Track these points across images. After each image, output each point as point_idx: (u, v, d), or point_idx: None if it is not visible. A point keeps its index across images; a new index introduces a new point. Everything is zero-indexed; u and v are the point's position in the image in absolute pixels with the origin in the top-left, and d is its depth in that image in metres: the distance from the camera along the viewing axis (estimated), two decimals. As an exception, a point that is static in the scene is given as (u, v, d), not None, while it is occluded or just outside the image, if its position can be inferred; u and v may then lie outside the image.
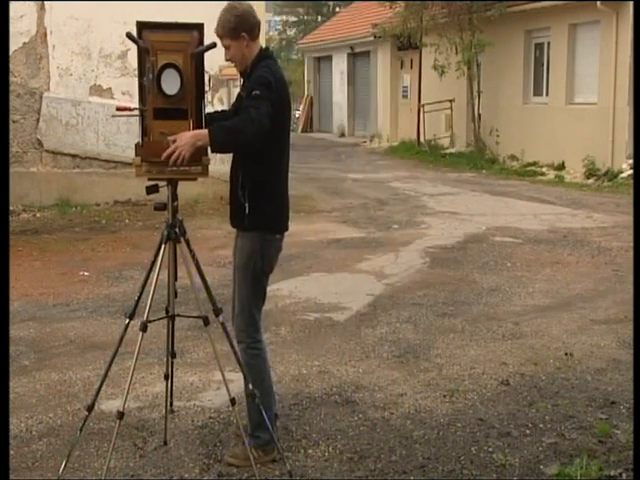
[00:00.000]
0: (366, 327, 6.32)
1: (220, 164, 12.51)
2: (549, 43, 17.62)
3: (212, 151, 3.63)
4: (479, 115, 19.17)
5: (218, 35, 3.82)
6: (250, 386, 3.87)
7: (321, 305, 6.94)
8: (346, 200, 13.07)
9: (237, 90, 13.92)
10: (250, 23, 3.82)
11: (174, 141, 3.51)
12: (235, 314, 4.11)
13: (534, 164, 17.48)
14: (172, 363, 4.15)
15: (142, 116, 3.63)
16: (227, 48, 3.84)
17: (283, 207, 4.01)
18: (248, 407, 4.00)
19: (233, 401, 3.79)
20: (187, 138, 3.52)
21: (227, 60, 3.91)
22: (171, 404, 4.37)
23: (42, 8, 11.79)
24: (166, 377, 4.16)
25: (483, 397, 4.82)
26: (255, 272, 4.07)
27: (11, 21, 10.27)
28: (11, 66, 11.29)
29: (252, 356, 4.00)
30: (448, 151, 20.48)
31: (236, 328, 4.06)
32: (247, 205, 3.86)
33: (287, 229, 4.05)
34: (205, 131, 3.59)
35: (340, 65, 28.82)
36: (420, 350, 5.75)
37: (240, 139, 3.61)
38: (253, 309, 4.10)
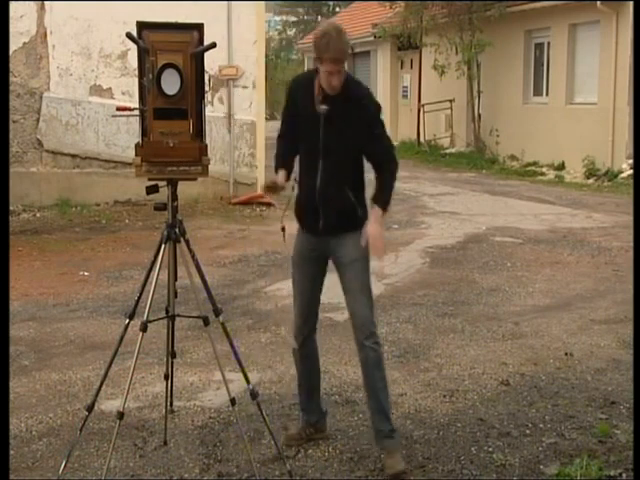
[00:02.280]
0: (366, 327, 6.31)
1: (220, 164, 12.61)
2: (549, 43, 17.62)
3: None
4: (479, 115, 19.17)
5: (338, 61, 3.67)
6: (250, 386, 3.87)
7: (321, 305, 6.93)
8: (346, 200, 13.04)
9: (237, 90, 13.81)
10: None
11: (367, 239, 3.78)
12: (362, 310, 3.96)
13: (534, 164, 17.49)
14: (172, 363, 4.14)
15: (142, 116, 3.63)
16: (339, 73, 3.72)
17: None
18: (378, 406, 3.97)
19: (233, 401, 3.78)
20: (376, 230, 3.81)
21: (334, 85, 3.73)
22: (171, 404, 4.37)
23: (42, 8, 11.80)
24: (166, 377, 4.15)
25: (483, 397, 4.82)
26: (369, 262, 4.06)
27: (11, 21, 10.27)
28: (11, 66, 11.30)
29: (380, 352, 3.99)
30: (448, 151, 20.48)
31: (367, 322, 3.95)
32: (359, 207, 3.95)
33: None
34: (379, 212, 3.86)
35: (340, 65, 28.76)
36: (420, 350, 5.75)
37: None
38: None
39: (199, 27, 3.64)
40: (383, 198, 3.90)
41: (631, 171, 14.63)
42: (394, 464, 3.88)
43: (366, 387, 4.03)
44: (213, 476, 3.89)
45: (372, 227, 3.83)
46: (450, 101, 20.39)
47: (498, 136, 18.58)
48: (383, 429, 3.97)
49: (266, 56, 15.88)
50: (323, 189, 3.88)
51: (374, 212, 3.89)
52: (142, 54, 3.58)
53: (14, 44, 11.41)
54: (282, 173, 3.94)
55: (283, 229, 4.01)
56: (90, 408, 3.75)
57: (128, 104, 3.93)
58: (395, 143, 21.30)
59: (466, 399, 4.82)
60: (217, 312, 3.81)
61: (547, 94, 17.80)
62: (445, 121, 21.05)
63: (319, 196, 3.89)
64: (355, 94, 3.84)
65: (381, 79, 25.50)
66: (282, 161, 4.02)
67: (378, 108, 3.93)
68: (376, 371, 3.95)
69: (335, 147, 3.85)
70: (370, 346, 3.92)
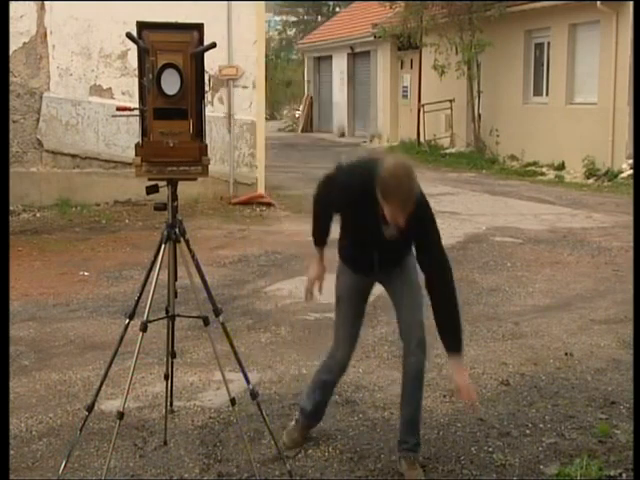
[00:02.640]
0: (366, 327, 6.29)
1: (220, 164, 12.60)
2: (549, 43, 17.62)
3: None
4: (479, 115, 19.17)
5: (407, 209, 3.47)
6: (250, 386, 3.87)
7: (321, 305, 6.91)
8: (346, 200, 13.04)
9: (237, 90, 13.81)
10: None
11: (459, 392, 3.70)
12: (416, 329, 3.96)
13: (534, 164, 17.48)
14: (172, 363, 4.14)
15: (142, 116, 3.63)
16: (406, 216, 3.51)
17: None
18: (411, 417, 3.95)
19: (233, 401, 3.78)
20: (466, 382, 3.70)
21: (400, 224, 3.53)
22: (171, 404, 4.37)
23: (42, 8, 11.79)
24: (166, 377, 4.16)
25: (483, 397, 4.82)
26: None
27: (11, 21, 10.26)
28: (11, 66, 11.29)
29: (424, 363, 3.97)
30: (448, 151, 20.47)
31: (422, 343, 3.94)
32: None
33: None
34: (459, 359, 3.72)
35: (340, 65, 28.82)
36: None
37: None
38: None
39: (199, 27, 3.64)
40: (456, 341, 3.73)
41: (631, 171, 14.62)
42: (416, 475, 3.87)
43: (403, 396, 4.00)
44: (213, 476, 3.89)
45: (460, 379, 3.68)
46: (450, 101, 20.38)
47: (498, 136, 18.57)
48: (409, 441, 3.94)
49: (266, 56, 15.88)
50: (380, 258, 3.87)
51: (454, 362, 3.73)
52: (142, 54, 3.58)
53: (14, 44, 11.40)
54: (319, 265, 4.02)
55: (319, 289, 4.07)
56: (90, 408, 3.75)
57: (128, 104, 3.93)
58: (395, 143, 21.28)
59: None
60: (217, 312, 3.81)
61: (547, 94, 17.79)
62: (445, 121, 21.05)
63: (376, 260, 3.88)
64: (417, 215, 3.60)
65: (381, 79, 25.49)
66: (323, 239, 4.01)
67: (432, 217, 3.74)
68: (417, 381, 3.95)
69: (393, 249, 3.83)
70: (418, 354, 3.91)
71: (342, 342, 4.09)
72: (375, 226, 3.70)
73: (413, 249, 3.82)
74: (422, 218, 3.65)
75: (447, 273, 3.72)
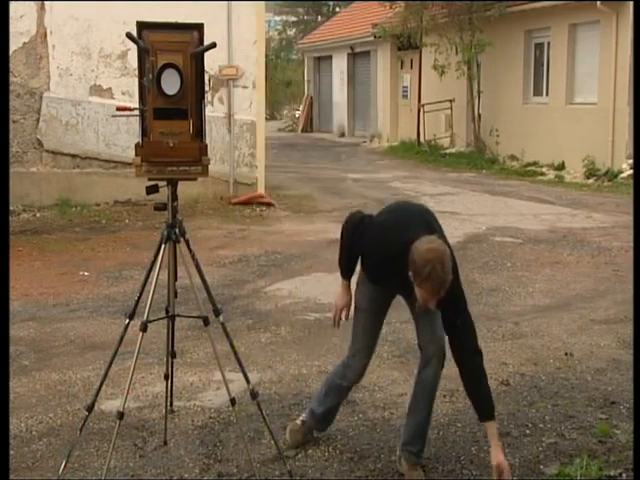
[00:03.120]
0: (366, 327, 6.31)
1: (220, 164, 12.60)
2: (549, 43, 17.62)
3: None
4: (479, 115, 19.17)
5: (438, 294, 3.45)
6: (250, 386, 3.87)
7: (321, 305, 6.94)
8: (346, 200, 13.06)
9: (237, 90, 13.79)
10: None
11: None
12: (439, 332, 3.85)
13: (534, 164, 17.48)
14: (172, 363, 4.14)
15: (142, 116, 3.63)
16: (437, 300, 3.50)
17: None
18: (418, 426, 3.93)
19: (233, 401, 3.78)
20: (505, 462, 3.61)
21: (429, 307, 3.54)
22: (171, 404, 4.37)
23: (42, 8, 11.79)
24: (166, 377, 4.15)
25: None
26: None
27: (11, 21, 10.27)
28: (11, 66, 11.29)
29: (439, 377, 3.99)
30: (448, 151, 20.47)
31: (441, 357, 3.91)
32: None
33: None
34: (494, 428, 3.67)
35: (340, 65, 28.82)
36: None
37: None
38: None
39: (199, 27, 3.64)
40: (488, 408, 3.67)
41: (631, 171, 14.62)
42: (417, 476, 3.87)
43: (414, 403, 4.00)
44: (213, 476, 3.89)
45: (500, 457, 3.62)
46: (450, 101, 20.38)
47: (498, 136, 18.57)
48: (413, 446, 3.93)
49: (266, 56, 15.88)
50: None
51: (491, 433, 3.67)
52: (142, 54, 3.58)
53: (14, 44, 11.40)
54: (346, 295, 4.01)
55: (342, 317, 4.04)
56: (90, 408, 3.75)
57: (128, 104, 3.93)
58: (395, 143, 21.26)
59: (466, 399, 4.79)
60: (217, 312, 3.81)
61: (547, 94, 17.79)
62: (445, 121, 21.05)
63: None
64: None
65: (381, 79, 25.49)
66: (349, 273, 4.00)
67: (459, 285, 3.67)
68: (430, 393, 3.95)
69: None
70: (435, 366, 3.89)
71: (359, 352, 4.08)
72: (401, 283, 3.64)
73: None
74: (451, 290, 3.53)
75: (473, 337, 3.68)
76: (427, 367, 3.91)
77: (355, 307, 4.07)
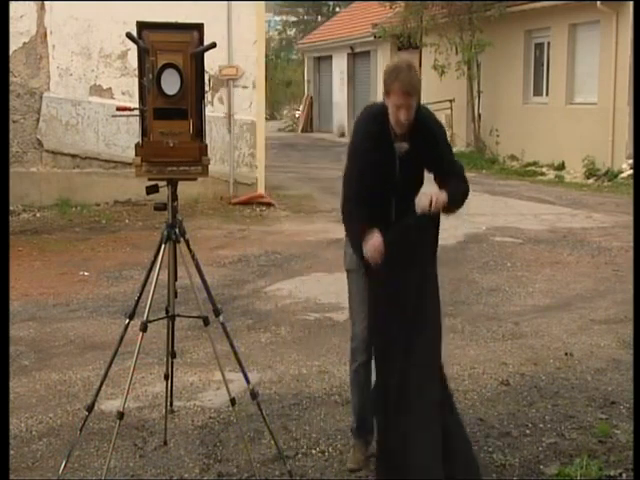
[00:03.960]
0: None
1: (220, 164, 12.60)
2: (549, 43, 17.61)
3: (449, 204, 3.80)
4: (479, 115, 19.17)
5: (408, 94, 3.63)
6: (250, 386, 3.87)
7: (321, 305, 6.94)
8: (346, 200, 13.05)
9: (237, 90, 13.79)
10: None
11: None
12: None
13: (534, 164, 17.48)
14: (172, 363, 4.14)
15: (142, 116, 3.63)
16: (407, 107, 3.65)
17: None
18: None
19: (233, 401, 3.78)
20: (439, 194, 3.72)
21: (402, 120, 3.67)
22: (171, 404, 4.37)
23: (42, 8, 11.79)
24: (166, 377, 4.15)
25: (483, 397, 4.82)
26: None
27: (11, 21, 10.26)
28: (11, 66, 11.29)
29: None
30: (448, 151, 20.46)
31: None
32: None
33: None
34: (444, 194, 3.75)
35: (340, 65, 28.82)
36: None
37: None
38: None
39: (199, 27, 3.64)
40: (451, 191, 3.81)
41: (631, 171, 14.62)
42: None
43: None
44: (213, 476, 3.89)
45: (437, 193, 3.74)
46: (450, 101, 20.38)
47: (498, 136, 18.57)
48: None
49: (266, 56, 15.88)
50: (396, 208, 3.85)
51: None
52: (142, 54, 3.58)
53: (14, 44, 11.40)
54: (376, 234, 3.73)
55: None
56: (90, 408, 3.75)
57: (128, 104, 3.93)
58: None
59: (466, 399, 4.82)
60: (217, 312, 3.81)
61: (547, 94, 17.79)
62: (445, 121, 21.02)
63: (393, 210, 3.86)
64: (424, 128, 3.76)
65: (381, 79, 25.42)
66: (366, 225, 3.82)
67: (445, 135, 3.91)
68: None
69: (409, 184, 3.83)
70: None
71: (358, 317, 3.96)
72: (390, 162, 3.75)
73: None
74: (429, 135, 3.76)
75: (463, 181, 3.95)
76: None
77: (346, 273, 4.01)
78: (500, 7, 17.84)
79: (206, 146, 3.67)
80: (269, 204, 12.25)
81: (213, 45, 3.61)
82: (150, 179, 3.70)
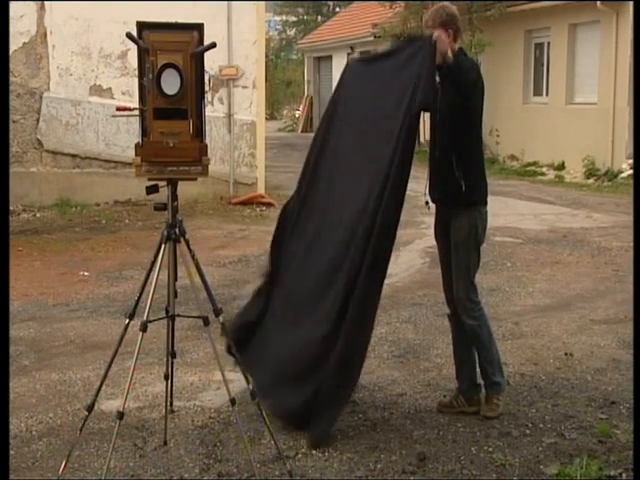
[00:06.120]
0: (366, 327, 6.30)
1: (220, 164, 12.60)
2: (549, 43, 17.61)
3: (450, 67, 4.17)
4: (479, 115, 19.15)
5: (426, 27, 4.29)
6: (250, 386, 3.87)
7: (321, 305, 6.93)
8: (346, 200, 13.04)
9: (237, 90, 13.79)
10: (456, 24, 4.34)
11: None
12: (457, 292, 4.55)
13: (534, 164, 17.48)
14: (172, 363, 4.14)
15: (142, 116, 3.63)
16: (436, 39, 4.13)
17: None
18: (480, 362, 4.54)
19: (233, 401, 3.78)
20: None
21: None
22: (171, 404, 4.37)
23: (42, 8, 11.80)
24: (166, 377, 4.16)
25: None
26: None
27: (11, 21, 10.27)
28: (11, 66, 11.30)
29: (477, 326, 4.50)
30: (448, 151, 20.46)
31: (462, 301, 4.54)
32: (464, 184, 4.28)
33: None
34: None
35: (340, 65, 28.63)
36: (420, 350, 5.74)
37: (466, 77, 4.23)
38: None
39: (199, 27, 3.64)
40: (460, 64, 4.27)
41: (631, 171, 14.62)
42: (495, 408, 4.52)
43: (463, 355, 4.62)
44: (213, 476, 3.89)
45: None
46: (450, 101, 20.37)
47: (498, 136, 18.55)
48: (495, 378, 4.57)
49: (266, 56, 15.88)
50: (436, 160, 4.35)
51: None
52: (142, 54, 3.58)
53: (14, 44, 11.41)
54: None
55: (427, 203, 4.57)
56: (90, 408, 3.75)
57: (128, 104, 3.93)
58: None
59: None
60: (217, 312, 3.81)
61: (547, 94, 17.79)
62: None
63: (435, 166, 4.38)
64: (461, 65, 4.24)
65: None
66: None
67: (471, 67, 4.36)
68: (475, 342, 4.51)
69: (443, 117, 4.24)
70: (467, 322, 4.48)
71: (443, 284, 4.69)
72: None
73: None
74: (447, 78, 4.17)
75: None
76: (463, 322, 4.51)
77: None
78: (500, 7, 17.83)
79: (206, 146, 3.67)
80: (269, 204, 12.24)
81: (213, 45, 3.61)
82: (150, 179, 3.70)
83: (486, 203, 4.46)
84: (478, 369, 4.60)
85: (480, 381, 4.63)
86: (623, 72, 15.02)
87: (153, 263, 3.70)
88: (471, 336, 4.51)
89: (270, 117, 32.30)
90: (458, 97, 4.18)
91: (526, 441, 4.24)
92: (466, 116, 4.26)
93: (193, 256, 3.76)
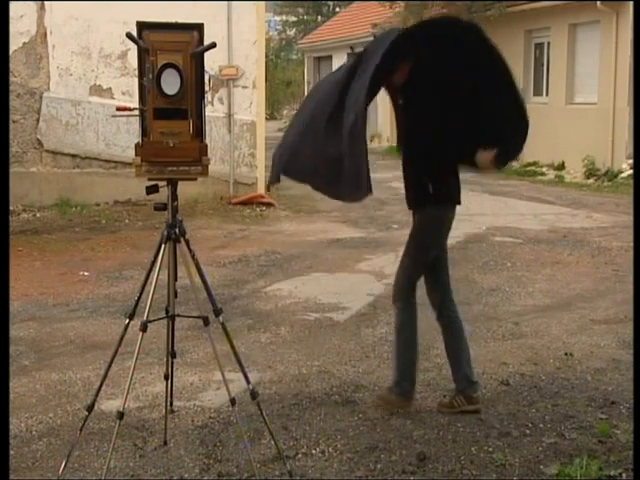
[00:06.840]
0: (366, 327, 6.32)
1: (220, 164, 12.61)
2: (549, 43, 17.62)
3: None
4: (479, 115, 19.15)
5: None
6: (250, 386, 3.87)
7: (321, 305, 6.94)
8: (346, 200, 13.04)
9: (237, 90, 13.81)
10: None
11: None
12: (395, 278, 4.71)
13: (534, 164, 17.47)
14: (172, 363, 4.14)
15: (142, 116, 3.63)
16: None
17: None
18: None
19: (233, 401, 3.78)
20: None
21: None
22: (171, 404, 4.37)
23: (42, 8, 11.80)
24: (166, 377, 4.15)
25: (483, 397, 4.82)
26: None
27: (11, 21, 10.27)
28: (11, 66, 11.30)
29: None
30: (448, 151, 20.46)
31: (395, 288, 4.69)
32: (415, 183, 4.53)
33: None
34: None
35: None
36: (420, 350, 5.73)
37: None
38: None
39: (199, 27, 3.64)
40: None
41: (631, 171, 14.63)
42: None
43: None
44: (213, 476, 3.89)
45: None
46: (450, 101, 20.37)
47: (498, 136, 18.56)
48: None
49: (266, 56, 15.89)
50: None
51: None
52: (142, 54, 3.58)
53: (14, 44, 11.41)
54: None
55: None
56: (90, 408, 3.75)
57: (128, 104, 3.93)
58: (395, 143, 21.21)
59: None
60: (217, 312, 3.81)
61: (547, 94, 17.79)
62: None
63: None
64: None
65: (381, 79, 25.44)
66: None
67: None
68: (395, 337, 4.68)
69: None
70: (394, 310, 4.70)
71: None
72: None
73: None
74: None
75: None
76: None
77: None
78: (500, 7, 17.84)
79: (206, 146, 3.67)
80: (269, 204, 12.25)
81: (213, 45, 3.61)
82: (150, 179, 3.70)
83: (444, 204, 4.55)
84: (473, 366, 4.70)
85: (476, 379, 4.68)
86: (623, 72, 15.02)
87: (153, 263, 3.70)
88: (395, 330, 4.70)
89: (270, 117, 32.29)
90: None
91: (526, 441, 4.24)
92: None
93: (193, 256, 3.76)
